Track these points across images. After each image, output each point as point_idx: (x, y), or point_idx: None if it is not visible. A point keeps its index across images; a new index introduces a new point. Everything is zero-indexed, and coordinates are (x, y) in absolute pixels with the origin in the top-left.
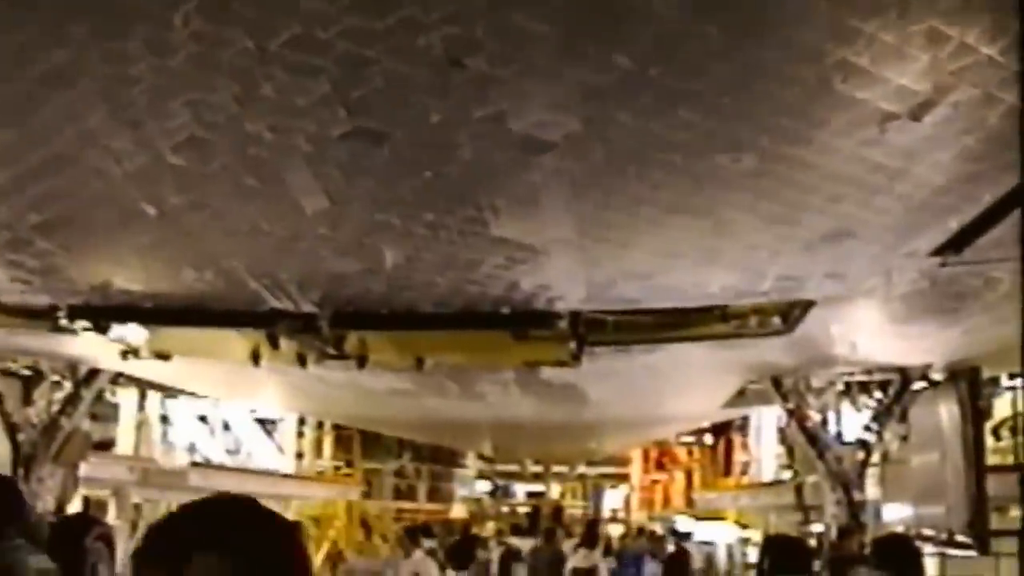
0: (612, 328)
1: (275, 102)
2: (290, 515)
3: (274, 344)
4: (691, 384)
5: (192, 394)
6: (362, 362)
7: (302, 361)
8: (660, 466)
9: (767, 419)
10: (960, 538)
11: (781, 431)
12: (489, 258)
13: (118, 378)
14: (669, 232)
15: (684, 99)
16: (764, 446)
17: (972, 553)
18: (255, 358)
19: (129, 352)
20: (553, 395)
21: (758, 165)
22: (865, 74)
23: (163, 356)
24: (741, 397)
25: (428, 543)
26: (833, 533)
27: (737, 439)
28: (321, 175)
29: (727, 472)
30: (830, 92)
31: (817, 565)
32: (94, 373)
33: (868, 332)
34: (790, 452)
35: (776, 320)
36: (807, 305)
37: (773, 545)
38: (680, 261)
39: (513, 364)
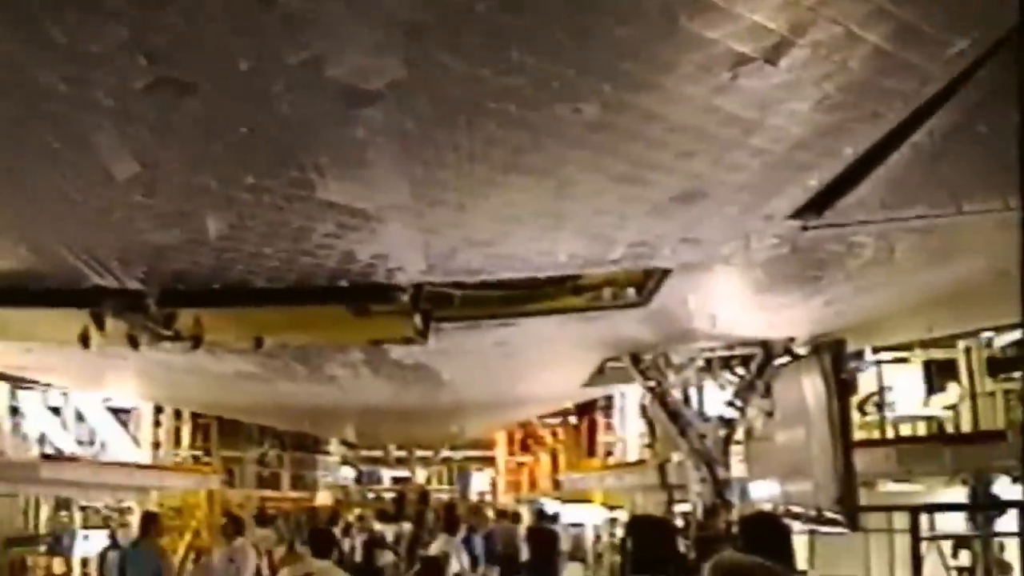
0: (459, 303)
1: (67, 49)
2: (150, 506)
3: (100, 325)
4: (548, 362)
5: (44, 385)
6: (196, 342)
7: (133, 343)
8: (525, 448)
9: (631, 398)
10: (829, 514)
11: (644, 409)
12: (319, 225)
13: None
14: (508, 194)
15: (516, 38)
16: (628, 426)
17: (842, 529)
18: (84, 340)
19: None
20: (406, 377)
21: (600, 116)
22: (715, 9)
23: None
24: (601, 376)
25: (263, 531)
26: (699, 512)
27: (601, 420)
28: (128, 135)
29: (592, 453)
30: (676, 30)
31: (683, 545)
32: None
33: (728, 303)
34: (652, 431)
35: (630, 291)
36: (662, 274)
37: (637, 525)
38: (522, 227)
39: (357, 342)
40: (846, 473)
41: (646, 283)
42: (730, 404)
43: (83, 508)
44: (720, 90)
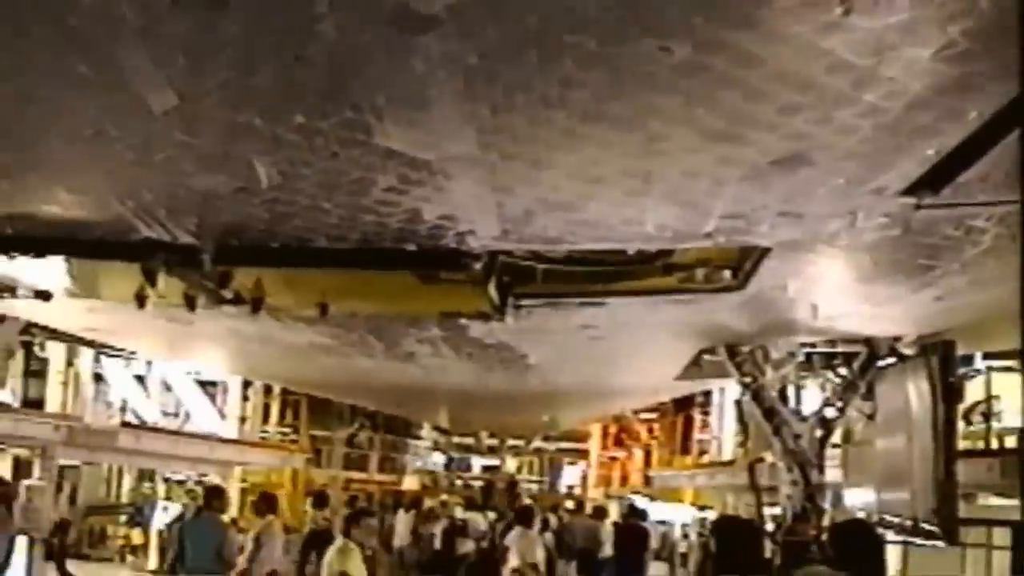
0: (541, 278)
1: None
2: (233, 482)
3: (152, 281)
4: (639, 351)
5: (130, 353)
6: (257, 305)
7: (190, 303)
8: (619, 443)
9: (729, 395)
10: (926, 526)
11: (739, 406)
12: (380, 177)
13: (36, 329)
14: (588, 148)
15: None
16: (725, 424)
17: (938, 543)
18: (140, 299)
19: (3, 290)
20: (489, 357)
21: (692, 57)
22: None
23: (42, 295)
24: (696, 369)
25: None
26: (788, 517)
27: (697, 416)
28: (161, 59)
29: (686, 450)
30: None
31: (769, 549)
32: None
33: (830, 291)
34: (745, 429)
35: (726, 273)
36: (760, 254)
37: (723, 526)
38: (605, 189)
39: (428, 314)
40: (947, 483)
41: (742, 264)
42: (829, 404)
43: (166, 480)
44: (829, 28)
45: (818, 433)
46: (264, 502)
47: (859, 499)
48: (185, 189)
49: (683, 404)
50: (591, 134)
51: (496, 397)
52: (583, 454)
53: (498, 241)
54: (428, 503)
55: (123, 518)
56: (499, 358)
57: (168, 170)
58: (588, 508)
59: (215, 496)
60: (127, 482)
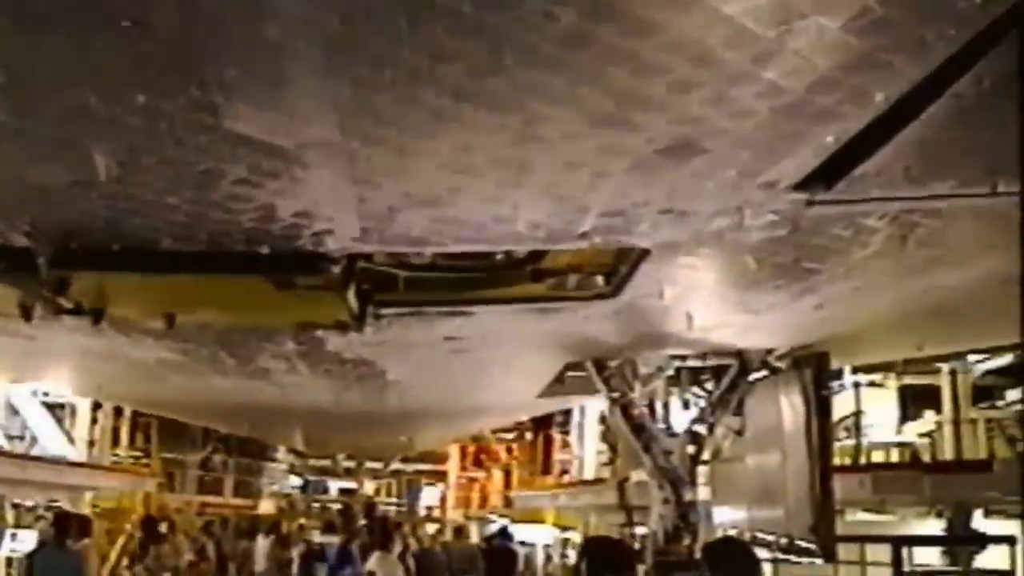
0: (403, 285)
1: None
2: (83, 508)
3: None
4: (503, 365)
5: None
6: (98, 316)
7: (26, 313)
8: (478, 463)
9: (590, 414)
10: (801, 543)
11: (604, 422)
12: (230, 168)
13: None
14: (459, 132)
15: None
16: (586, 443)
17: (815, 560)
18: None
19: None
20: (347, 375)
21: (579, 25)
22: None
23: None
24: (560, 385)
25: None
26: (660, 536)
27: (557, 436)
28: None
29: (546, 471)
30: None
31: (641, 571)
32: None
33: (708, 298)
34: (612, 447)
35: (598, 280)
36: (638, 257)
37: (591, 548)
38: (476, 181)
39: (283, 324)
40: (823, 500)
41: (617, 269)
42: (699, 420)
43: (15, 506)
44: None
45: (689, 449)
46: (78, 525)
47: (728, 517)
48: (15, 183)
49: (542, 423)
50: (463, 116)
51: (354, 417)
52: (441, 475)
53: (358, 243)
54: (285, 527)
55: None
56: (357, 375)
57: None
58: (448, 530)
59: (66, 523)
60: None
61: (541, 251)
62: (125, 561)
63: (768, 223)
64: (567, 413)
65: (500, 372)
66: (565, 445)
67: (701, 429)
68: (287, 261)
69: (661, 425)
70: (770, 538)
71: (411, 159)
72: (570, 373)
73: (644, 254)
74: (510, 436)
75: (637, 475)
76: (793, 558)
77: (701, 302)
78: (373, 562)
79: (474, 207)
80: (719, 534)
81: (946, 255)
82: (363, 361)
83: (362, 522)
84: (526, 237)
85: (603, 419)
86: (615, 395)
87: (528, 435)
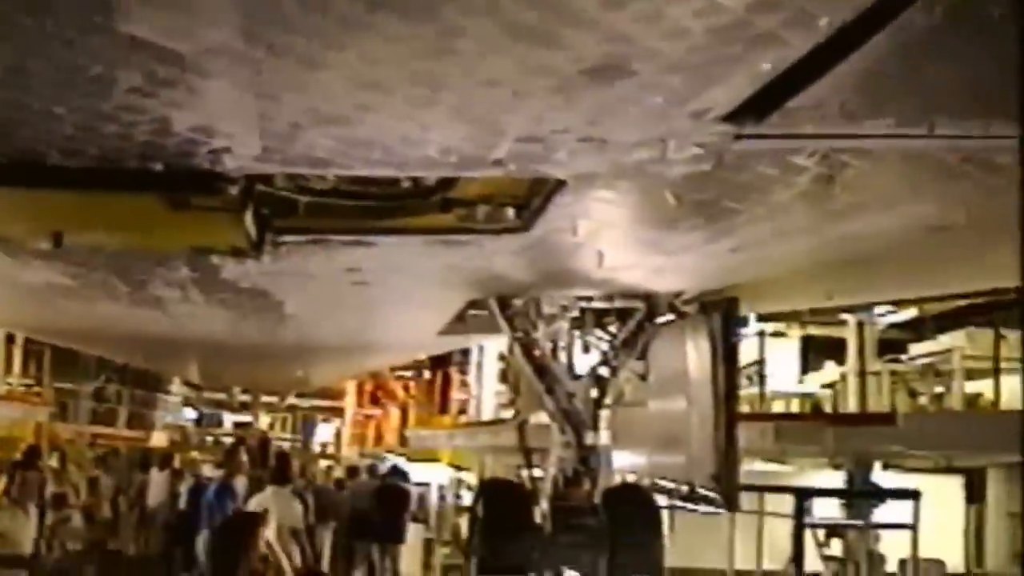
0: (304, 211)
1: None
2: None
3: None
4: (405, 300)
5: None
6: None
7: None
8: (375, 401)
9: (489, 354)
10: (703, 492)
11: (504, 363)
12: (123, 74)
13: None
14: (371, 42)
15: None
16: (485, 383)
17: (717, 510)
18: None
19: None
20: (243, 305)
21: None
22: None
23: None
24: (461, 324)
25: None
26: (560, 480)
27: (456, 376)
28: None
29: (444, 410)
30: None
31: (537, 514)
32: None
33: (621, 237)
34: (513, 387)
35: (509, 212)
36: (552, 188)
37: (488, 490)
38: (386, 99)
39: (176, 247)
40: (728, 448)
41: (530, 201)
42: (603, 363)
43: None
44: None
45: (592, 393)
46: None
47: (628, 462)
48: None
49: (440, 362)
50: (375, 24)
51: (249, 350)
52: (338, 412)
53: (259, 162)
54: (178, 461)
55: None
56: (253, 306)
57: None
58: (341, 468)
59: None
60: None
61: (451, 179)
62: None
63: (692, 156)
64: (465, 352)
65: (401, 307)
66: (463, 384)
67: (605, 372)
68: (182, 179)
69: (564, 367)
70: (671, 486)
71: (318, 72)
72: (472, 312)
73: (559, 185)
74: (408, 374)
75: (536, 417)
76: (694, 506)
77: (613, 240)
78: (267, 497)
79: (383, 126)
80: (618, 480)
81: (870, 200)
82: (260, 291)
83: (244, 457)
84: (437, 162)
85: (502, 358)
86: (518, 335)
87: (426, 373)
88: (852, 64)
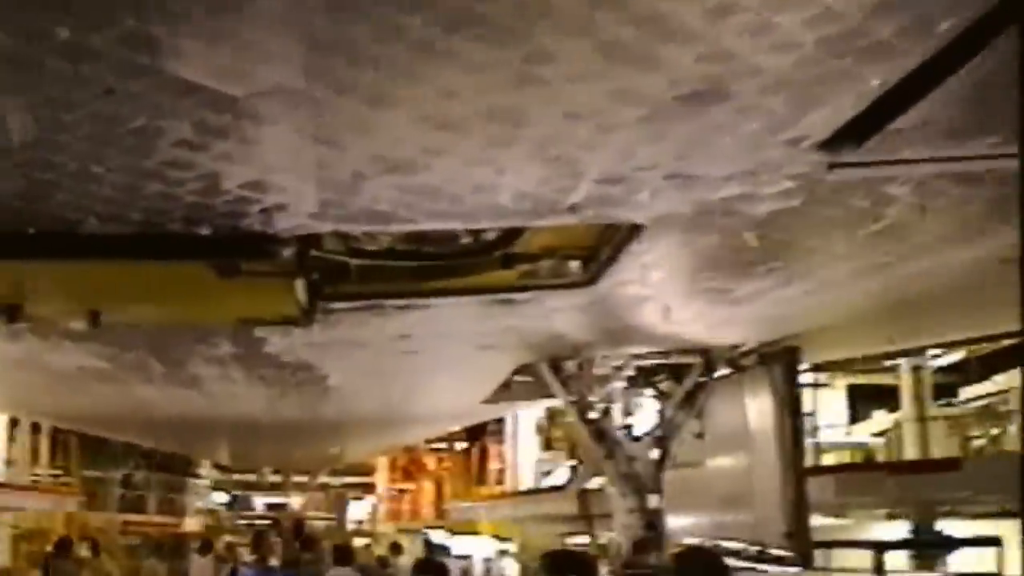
0: (356, 276)
1: None
2: (4, 528)
3: None
4: (452, 368)
5: None
6: (13, 313)
7: None
8: (408, 475)
9: (524, 422)
10: (775, 551)
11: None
12: (170, 125)
13: None
14: (449, 70)
15: None
16: (522, 451)
17: (790, 568)
18: None
19: None
20: (284, 380)
21: None
22: None
23: None
24: (506, 390)
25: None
26: (625, 547)
27: (491, 446)
28: None
29: (481, 481)
30: None
31: None
32: None
33: (690, 287)
34: (570, 453)
35: (573, 266)
36: (625, 237)
37: (556, 563)
38: (460, 137)
39: (223, 320)
40: (798, 503)
41: (598, 252)
42: (662, 423)
43: None
44: None
45: (654, 454)
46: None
47: (685, 525)
48: None
49: (476, 433)
50: (454, 50)
51: (285, 428)
52: (369, 488)
53: (314, 220)
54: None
55: None
56: (295, 380)
57: None
58: (383, 545)
59: None
60: None
61: (514, 232)
62: None
63: (782, 191)
64: (499, 422)
65: (448, 375)
66: (499, 455)
67: (666, 433)
68: (231, 244)
69: (623, 429)
70: (738, 546)
71: (385, 111)
72: (517, 378)
73: (633, 232)
74: (441, 446)
75: (596, 482)
76: (766, 567)
77: (681, 290)
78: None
79: (453, 172)
80: (677, 543)
81: (957, 230)
82: (303, 364)
83: (275, 539)
84: (508, 211)
85: (540, 428)
86: (573, 398)
87: (460, 445)
88: (966, 75)
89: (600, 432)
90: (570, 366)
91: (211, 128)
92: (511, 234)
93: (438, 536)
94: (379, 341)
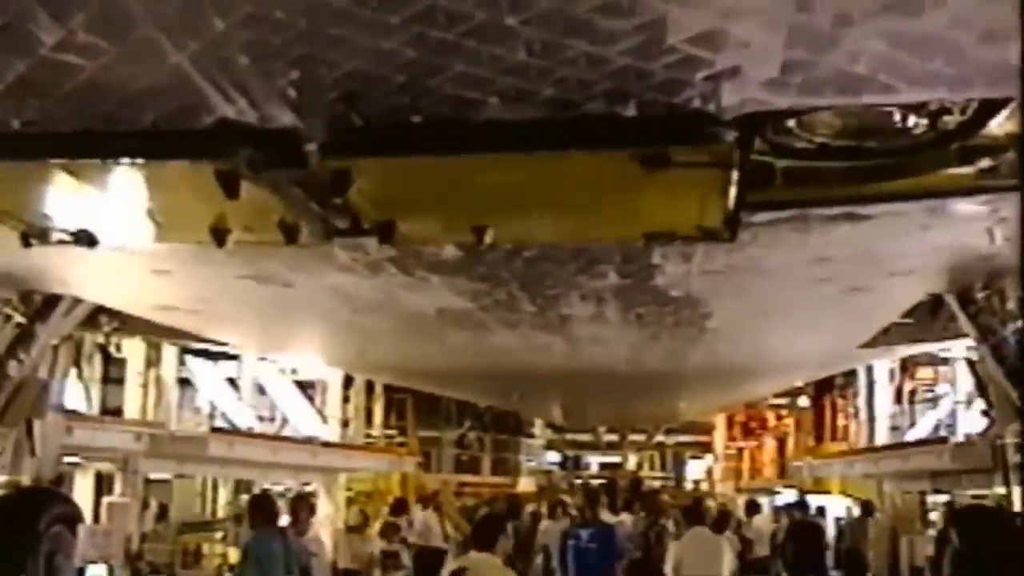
0: (781, 177)
1: None
2: (338, 490)
3: (230, 190)
4: (843, 303)
5: (216, 351)
6: (388, 231)
7: (289, 233)
8: (748, 432)
9: (879, 374)
10: None
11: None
12: None
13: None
14: None
15: None
16: (878, 405)
17: None
18: (218, 234)
19: (31, 235)
20: (660, 322)
21: None
22: None
23: (83, 238)
24: (884, 335)
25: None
26: None
27: (838, 400)
28: None
29: (831, 437)
30: None
31: None
32: (52, 301)
33: None
34: (984, 394)
35: None
36: None
37: (967, 520)
38: None
39: (628, 233)
40: None
41: None
42: None
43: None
44: None
45: None
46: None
47: None
48: (273, 25)
49: (824, 387)
50: None
51: (636, 380)
52: (706, 447)
53: (769, 92)
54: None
55: (219, 535)
56: (673, 321)
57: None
58: (713, 505)
59: (261, 509)
60: (223, 495)
61: (980, 119)
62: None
63: None
64: (848, 374)
65: (836, 313)
66: (846, 410)
67: None
68: (659, 129)
69: None
70: None
71: None
72: (897, 321)
73: None
74: (782, 402)
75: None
76: None
77: None
78: (686, 538)
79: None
80: None
81: None
82: (690, 300)
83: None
84: None
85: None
86: (986, 335)
87: (803, 399)
88: None
89: (1017, 373)
90: (980, 297)
91: None
92: (977, 121)
93: (790, 496)
94: (789, 266)
